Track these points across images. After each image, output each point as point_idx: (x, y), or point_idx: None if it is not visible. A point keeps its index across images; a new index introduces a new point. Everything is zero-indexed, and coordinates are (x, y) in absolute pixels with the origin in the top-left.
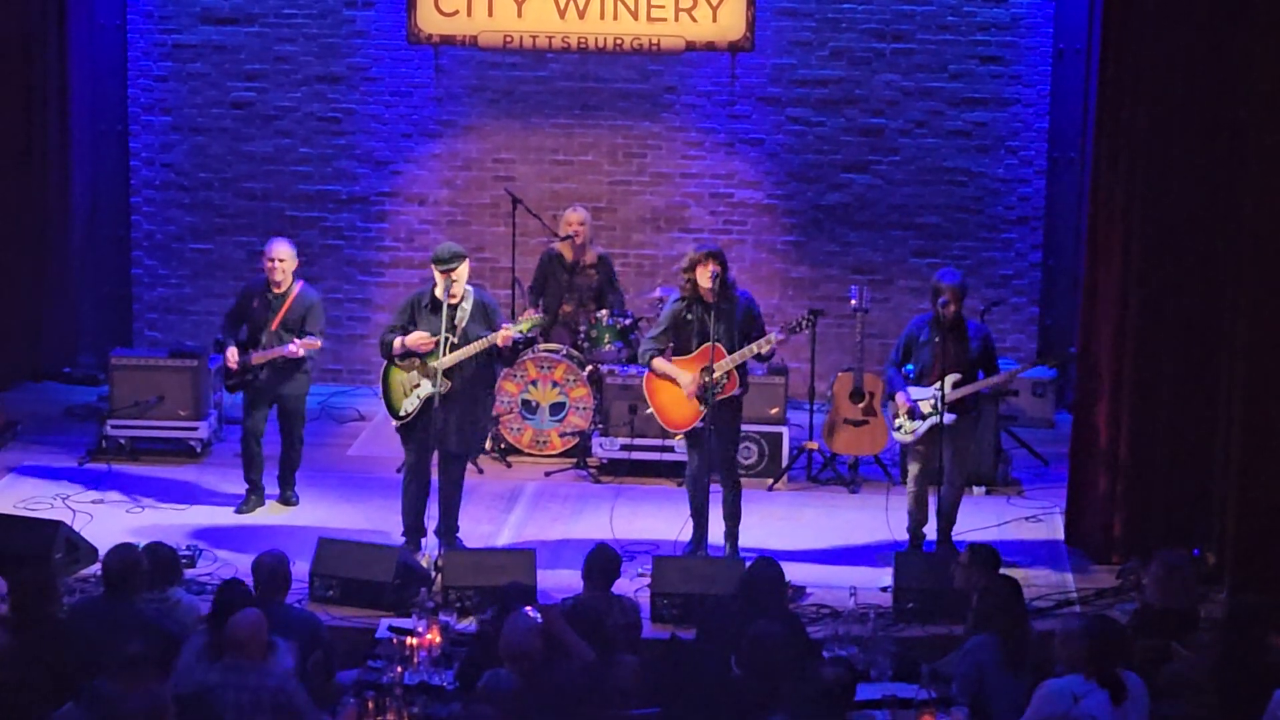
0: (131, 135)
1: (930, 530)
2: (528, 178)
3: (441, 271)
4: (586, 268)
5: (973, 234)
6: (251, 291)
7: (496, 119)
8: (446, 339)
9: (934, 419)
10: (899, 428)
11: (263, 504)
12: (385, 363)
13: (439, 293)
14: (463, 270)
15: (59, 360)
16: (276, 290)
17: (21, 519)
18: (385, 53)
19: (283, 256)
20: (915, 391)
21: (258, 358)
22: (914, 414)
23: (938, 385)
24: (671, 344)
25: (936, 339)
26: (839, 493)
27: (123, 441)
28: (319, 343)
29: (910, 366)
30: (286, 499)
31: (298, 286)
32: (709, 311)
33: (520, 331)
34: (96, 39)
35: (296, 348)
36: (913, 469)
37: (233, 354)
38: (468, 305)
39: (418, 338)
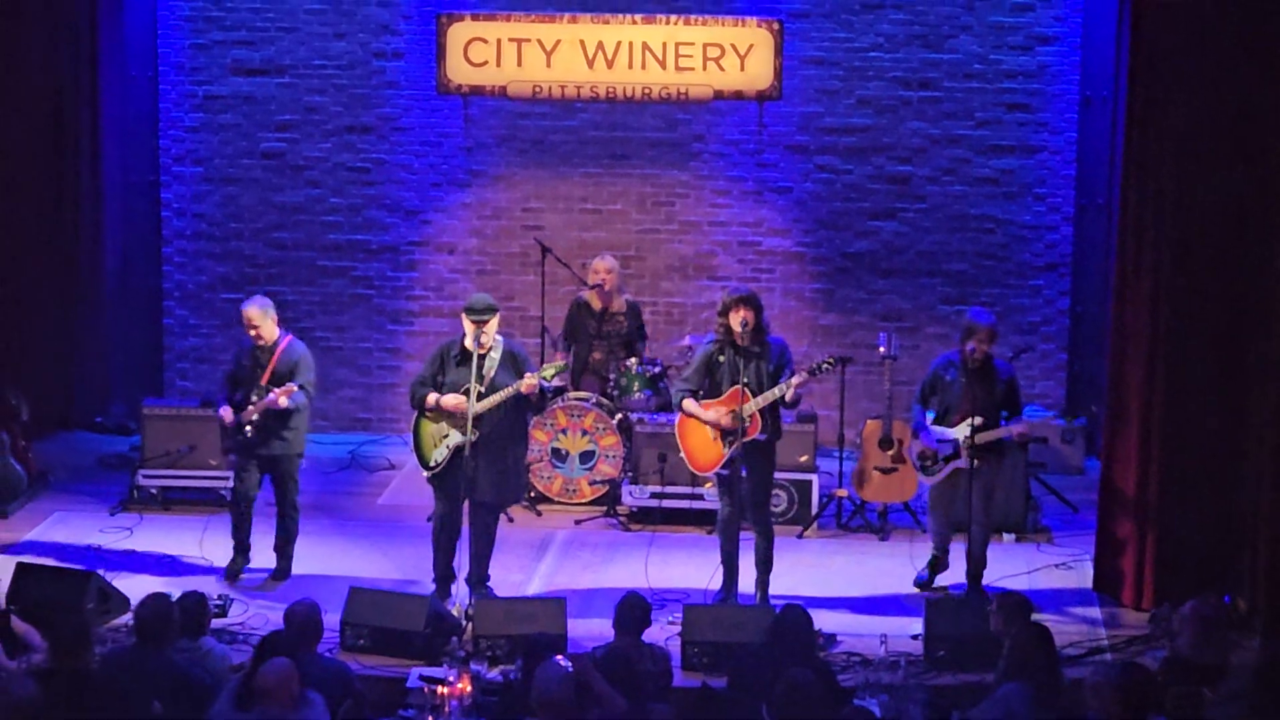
0: (163, 186)
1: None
2: (557, 226)
3: (474, 322)
4: (615, 316)
5: (1001, 281)
6: (243, 351)
7: (526, 168)
8: (475, 388)
9: (957, 462)
10: (923, 468)
11: (248, 563)
12: (416, 413)
13: (469, 342)
14: (494, 322)
15: (91, 410)
16: (262, 345)
17: (54, 569)
18: (415, 103)
19: (257, 321)
20: (939, 432)
21: (248, 413)
22: (937, 455)
23: (969, 425)
24: (703, 387)
25: (962, 379)
26: (869, 540)
27: (154, 491)
28: (294, 387)
29: (931, 412)
30: (283, 572)
31: (285, 340)
32: (740, 355)
33: (544, 378)
34: (128, 90)
35: (276, 396)
36: (933, 507)
37: (227, 412)
38: (496, 355)
39: (453, 401)
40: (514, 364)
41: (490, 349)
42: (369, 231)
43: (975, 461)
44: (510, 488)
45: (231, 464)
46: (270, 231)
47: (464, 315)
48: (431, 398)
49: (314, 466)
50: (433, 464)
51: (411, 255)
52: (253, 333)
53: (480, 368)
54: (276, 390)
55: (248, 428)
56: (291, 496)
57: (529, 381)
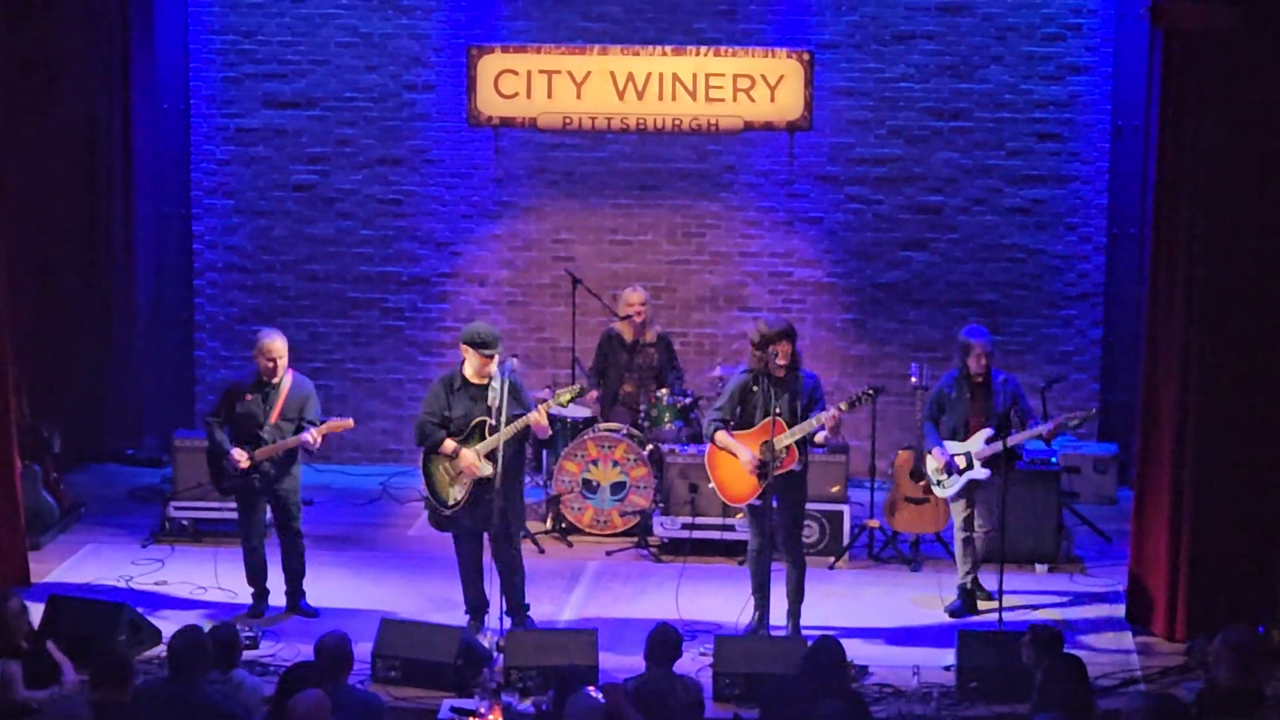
0: (194, 218)
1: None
2: (587, 258)
3: (485, 356)
4: (646, 347)
5: (1033, 311)
6: (241, 387)
7: (556, 199)
8: (484, 422)
9: (970, 474)
10: (938, 483)
11: (268, 604)
12: (424, 452)
13: (471, 374)
14: (499, 354)
15: (123, 442)
16: (271, 382)
17: (86, 601)
18: (446, 135)
19: (281, 354)
20: (951, 447)
21: (265, 454)
22: (950, 469)
23: (981, 438)
24: (736, 418)
25: (966, 395)
26: (901, 571)
27: (185, 523)
28: (349, 421)
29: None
30: (300, 612)
31: (290, 376)
32: (774, 386)
33: (560, 404)
34: (160, 123)
35: (315, 437)
36: (956, 521)
37: (241, 455)
38: (497, 385)
39: (468, 460)
40: (517, 394)
41: (492, 380)
42: (400, 263)
43: (989, 473)
44: (520, 516)
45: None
46: (301, 263)
47: (468, 348)
48: (449, 445)
49: (344, 498)
50: (451, 503)
51: (442, 287)
52: (271, 364)
53: (486, 399)
54: (313, 430)
55: (258, 472)
56: (296, 523)
57: (538, 417)
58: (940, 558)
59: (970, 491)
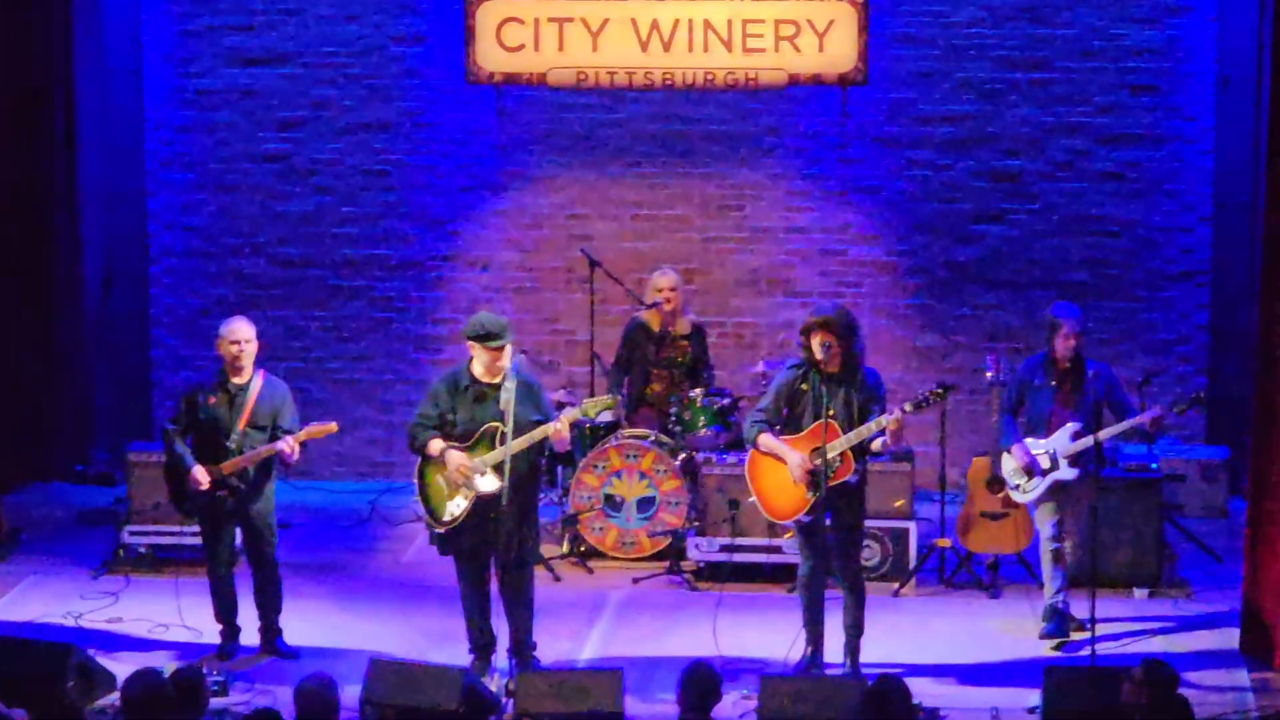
0: (149, 195)
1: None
2: (607, 236)
3: (492, 349)
4: (677, 340)
5: (1127, 293)
6: (202, 389)
7: (570, 169)
8: (497, 429)
9: (1055, 475)
10: (1016, 486)
11: (239, 643)
12: (420, 461)
13: (479, 372)
14: (510, 348)
15: (70, 457)
16: (237, 382)
17: (28, 642)
18: (440, 95)
19: (248, 337)
20: (1032, 444)
21: (232, 466)
22: (1032, 471)
23: (1067, 432)
24: (782, 419)
25: (1052, 383)
26: (976, 598)
27: (143, 550)
28: (332, 426)
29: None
30: (276, 652)
31: (260, 376)
32: (827, 383)
33: (586, 415)
34: (108, 87)
35: (291, 446)
36: (1043, 531)
37: (202, 473)
38: (511, 386)
39: (458, 466)
40: (530, 397)
41: (504, 379)
42: (389, 245)
43: (1077, 472)
44: (535, 539)
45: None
46: (274, 246)
47: (473, 344)
48: (435, 446)
49: (328, 520)
50: (447, 518)
51: (439, 272)
52: (237, 350)
53: (497, 402)
54: (290, 438)
55: (225, 490)
56: (270, 549)
57: (559, 427)
58: (1023, 582)
59: (1057, 496)
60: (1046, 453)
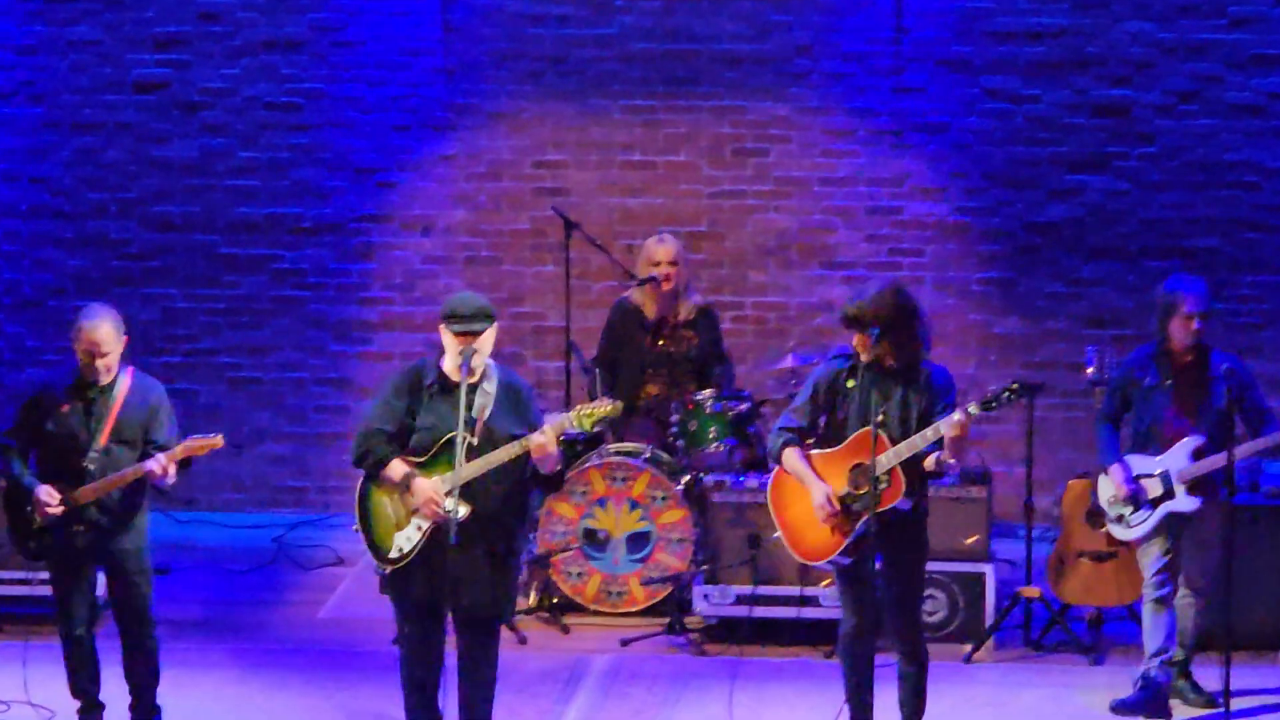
0: None
1: None
2: (587, 190)
3: (459, 334)
4: (679, 327)
5: (1269, 264)
6: (52, 393)
7: (538, 101)
8: (464, 439)
9: (1169, 505)
10: (1118, 519)
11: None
12: (364, 478)
13: (450, 367)
14: (489, 335)
15: None
16: (96, 384)
17: None
18: (367, 2)
19: (109, 342)
20: (1139, 463)
21: (90, 493)
22: (1137, 499)
23: (1186, 449)
24: (819, 426)
25: (1168, 382)
26: (1075, 664)
27: None
28: (218, 440)
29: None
30: None
31: (128, 377)
32: (879, 381)
33: (580, 427)
34: None
35: (163, 466)
36: (1146, 575)
37: (50, 495)
38: (491, 388)
39: (426, 493)
40: (515, 404)
41: (482, 379)
42: (300, 202)
43: (1199, 502)
44: (510, 590)
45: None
46: (149, 204)
47: (443, 325)
48: (397, 470)
49: (220, 562)
50: (394, 554)
51: (367, 237)
52: (100, 362)
53: (470, 407)
54: (159, 457)
55: (81, 523)
56: (145, 606)
57: (544, 440)
58: (1135, 643)
59: (1171, 531)
60: (1157, 475)
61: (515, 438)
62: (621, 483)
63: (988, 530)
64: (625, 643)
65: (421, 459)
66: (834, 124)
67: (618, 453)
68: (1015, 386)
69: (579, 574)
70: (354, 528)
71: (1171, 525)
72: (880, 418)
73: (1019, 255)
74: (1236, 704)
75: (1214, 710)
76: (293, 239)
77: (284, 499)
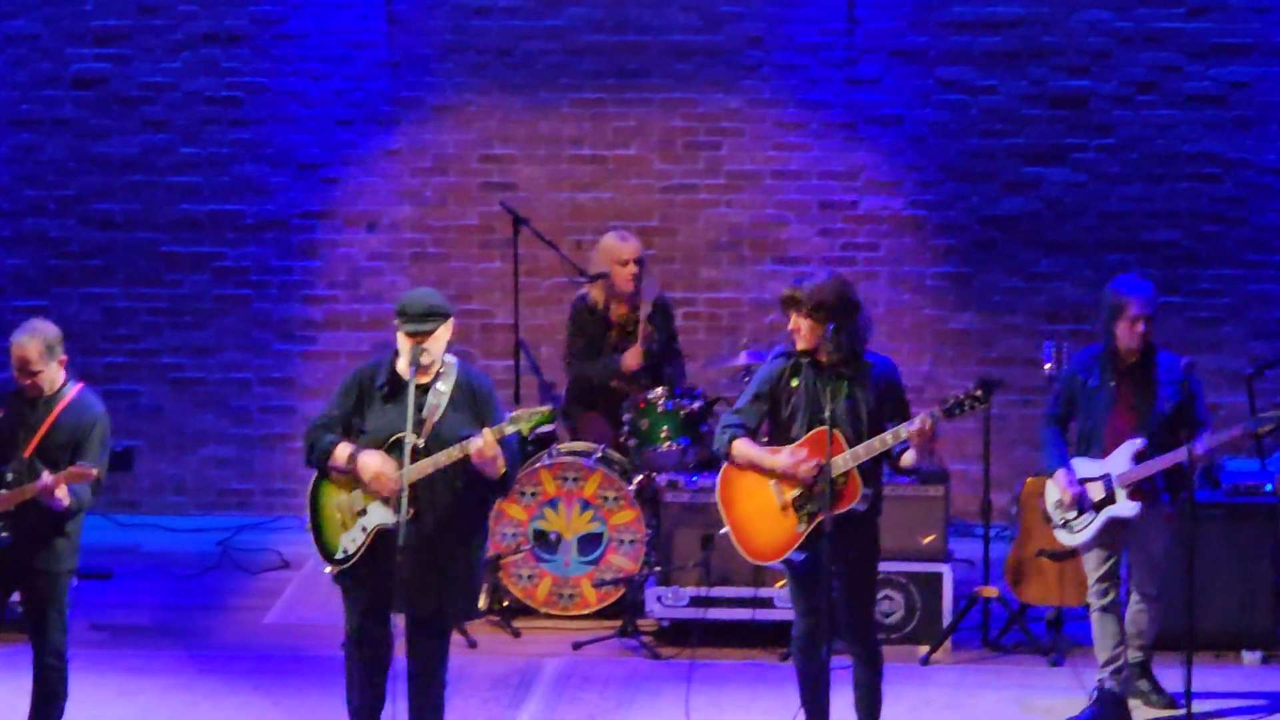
0: None
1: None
2: (536, 184)
3: (410, 334)
4: (632, 323)
5: (1232, 256)
6: None
7: (485, 94)
8: (411, 439)
9: (1111, 511)
10: (1063, 523)
11: None
12: (315, 475)
13: (402, 367)
14: (442, 334)
15: None
16: (32, 394)
17: None
18: None
19: (32, 363)
20: (1084, 466)
21: (3, 502)
22: (1080, 503)
23: (1129, 451)
24: (765, 423)
25: (1111, 383)
26: (1034, 664)
27: None
28: (90, 471)
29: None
30: None
31: (73, 390)
32: (825, 378)
33: (518, 430)
34: None
35: (54, 483)
36: (1090, 583)
37: None
38: (445, 388)
39: (374, 467)
40: (472, 404)
41: (436, 379)
42: (242, 198)
43: (1139, 506)
44: (464, 594)
45: None
46: (89, 201)
47: (397, 323)
48: (342, 451)
49: (163, 567)
50: (340, 555)
51: (310, 234)
52: (27, 381)
53: (420, 407)
54: (50, 476)
55: (4, 532)
56: (55, 634)
57: (481, 444)
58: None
59: (1113, 536)
60: (1099, 479)
61: (465, 440)
62: (572, 483)
63: (945, 529)
64: (577, 646)
65: None
66: (787, 116)
67: (568, 453)
68: (978, 393)
69: (530, 576)
70: (306, 527)
71: (1114, 530)
72: (826, 413)
73: (975, 249)
74: (1198, 706)
75: (1176, 712)
76: (235, 236)
77: (228, 502)
